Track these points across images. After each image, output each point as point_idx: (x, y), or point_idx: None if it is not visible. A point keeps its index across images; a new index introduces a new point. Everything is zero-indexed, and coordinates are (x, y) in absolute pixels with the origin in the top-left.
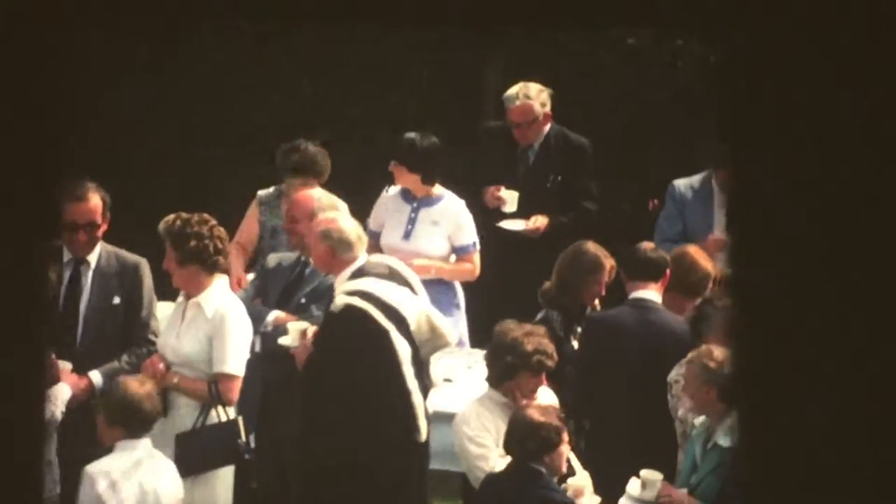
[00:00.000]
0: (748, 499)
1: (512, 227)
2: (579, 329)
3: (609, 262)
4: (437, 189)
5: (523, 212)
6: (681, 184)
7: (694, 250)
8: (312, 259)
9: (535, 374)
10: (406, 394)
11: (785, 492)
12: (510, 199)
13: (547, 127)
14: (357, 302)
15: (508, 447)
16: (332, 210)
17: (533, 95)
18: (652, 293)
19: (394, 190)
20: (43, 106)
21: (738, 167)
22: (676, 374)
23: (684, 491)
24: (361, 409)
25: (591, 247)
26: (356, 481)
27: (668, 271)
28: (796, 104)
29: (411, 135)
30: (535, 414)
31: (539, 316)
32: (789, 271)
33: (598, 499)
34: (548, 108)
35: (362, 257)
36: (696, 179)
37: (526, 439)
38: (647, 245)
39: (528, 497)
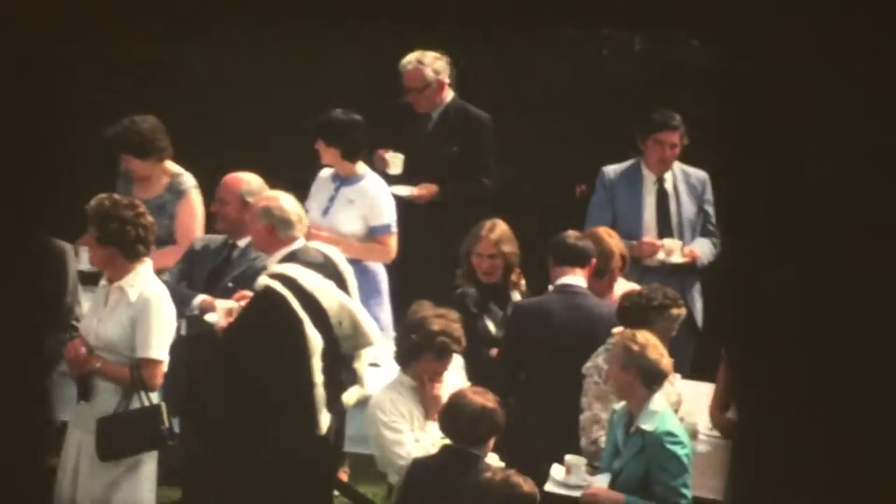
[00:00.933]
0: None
1: (399, 193)
2: (493, 306)
3: (493, 235)
4: (361, 168)
5: (417, 179)
6: (610, 170)
7: (602, 230)
8: (251, 238)
9: (438, 357)
10: (310, 385)
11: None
12: (394, 161)
13: (446, 97)
14: (276, 286)
15: (452, 432)
16: (262, 191)
17: (426, 62)
18: (578, 279)
19: (327, 171)
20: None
21: (735, 167)
22: (592, 363)
23: (607, 476)
24: (267, 394)
25: (487, 222)
26: (263, 467)
27: (593, 258)
28: (795, 104)
29: (333, 111)
30: (478, 398)
31: (456, 292)
32: (789, 270)
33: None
34: (443, 77)
35: (300, 241)
36: (625, 165)
37: (480, 423)
38: (572, 232)
39: (467, 482)
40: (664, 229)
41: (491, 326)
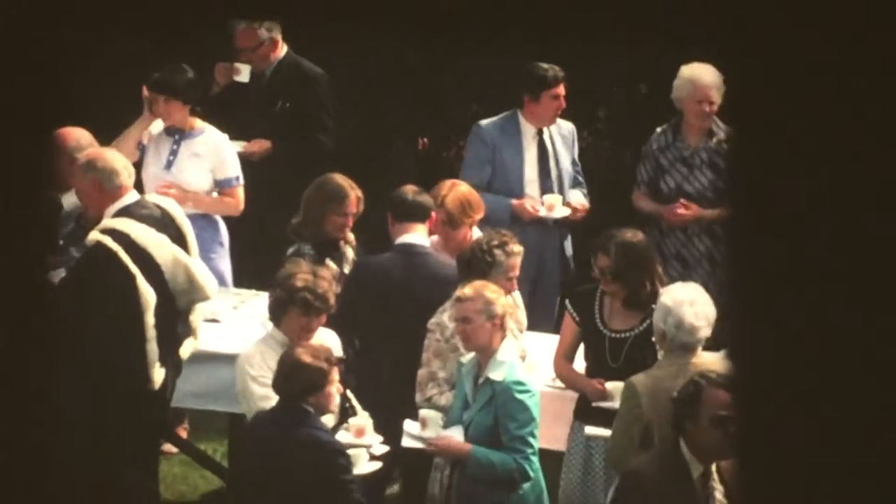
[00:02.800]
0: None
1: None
2: (330, 262)
3: (354, 193)
4: (199, 123)
5: (250, 135)
6: (488, 125)
7: (448, 182)
8: (78, 198)
9: (303, 313)
10: (142, 341)
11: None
12: (242, 70)
13: (280, 54)
14: (107, 241)
15: (275, 387)
16: (93, 146)
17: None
18: (418, 236)
19: (157, 127)
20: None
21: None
22: (436, 320)
23: (459, 428)
24: (99, 350)
25: (337, 177)
26: (95, 423)
27: (433, 213)
28: (799, 108)
29: (172, 66)
30: (302, 354)
31: (290, 250)
32: (790, 271)
33: (379, 437)
34: (276, 34)
35: (132, 195)
36: (501, 120)
37: (291, 379)
38: (410, 187)
39: (295, 437)
40: (545, 182)
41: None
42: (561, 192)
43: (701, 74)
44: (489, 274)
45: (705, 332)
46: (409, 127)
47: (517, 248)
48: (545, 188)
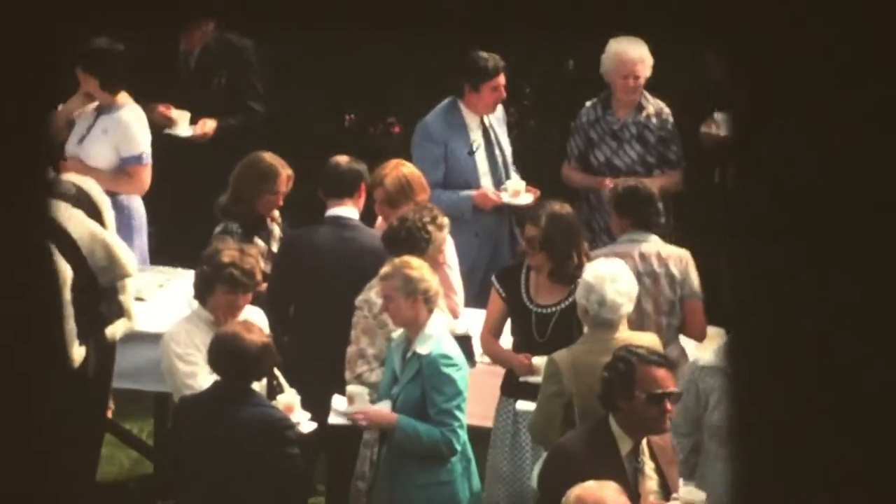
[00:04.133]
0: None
1: (180, 133)
2: (259, 241)
3: (285, 172)
4: (122, 99)
5: (192, 118)
6: (433, 121)
7: (394, 161)
8: None
9: (230, 290)
10: (59, 319)
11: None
12: (181, 119)
13: (208, 29)
14: None
15: (216, 366)
16: None
17: None
18: (348, 209)
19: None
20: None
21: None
22: (364, 297)
23: (387, 402)
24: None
25: (267, 156)
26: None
27: (362, 186)
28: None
29: (95, 39)
30: (242, 331)
31: (218, 229)
32: (791, 270)
33: (307, 415)
34: None
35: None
36: (444, 113)
37: (235, 359)
38: (340, 159)
39: (241, 416)
40: (494, 169)
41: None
42: (507, 175)
43: (626, 49)
44: (420, 249)
45: (627, 308)
46: (335, 103)
47: (446, 220)
48: (496, 175)
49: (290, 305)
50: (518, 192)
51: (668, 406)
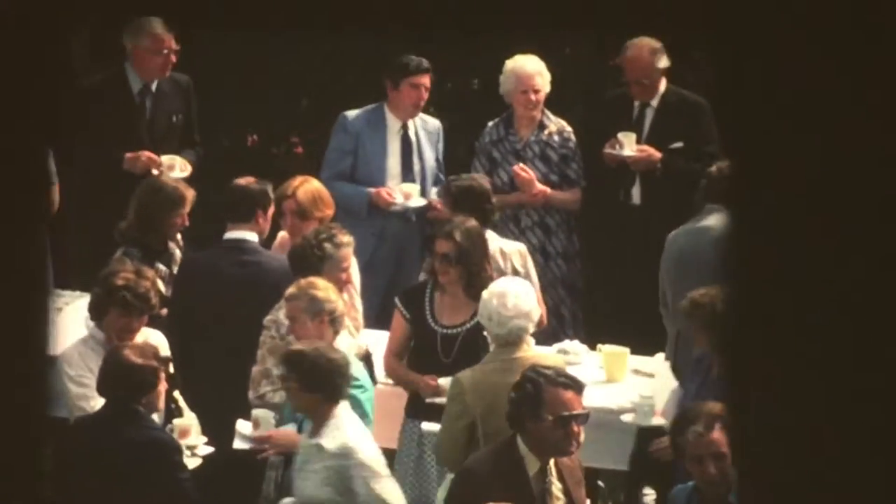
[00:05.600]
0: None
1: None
2: (161, 266)
3: (189, 193)
4: None
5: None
6: (353, 116)
7: (300, 178)
8: None
9: (123, 313)
10: None
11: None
12: (172, 162)
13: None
14: None
15: (103, 389)
16: None
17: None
18: (244, 233)
19: None
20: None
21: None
22: (272, 317)
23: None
24: None
25: (169, 180)
26: None
27: (258, 209)
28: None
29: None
30: (130, 354)
31: (118, 254)
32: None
33: (203, 438)
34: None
35: None
36: (367, 111)
37: (122, 380)
38: (239, 182)
39: (129, 438)
40: (407, 176)
41: (160, 284)
42: (423, 187)
43: (522, 64)
44: (322, 269)
45: (517, 323)
46: (237, 123)
47: (346, 238)
48: (407, 182)
49: (190, 328)
50: (409, 194)
51: (576, 428)
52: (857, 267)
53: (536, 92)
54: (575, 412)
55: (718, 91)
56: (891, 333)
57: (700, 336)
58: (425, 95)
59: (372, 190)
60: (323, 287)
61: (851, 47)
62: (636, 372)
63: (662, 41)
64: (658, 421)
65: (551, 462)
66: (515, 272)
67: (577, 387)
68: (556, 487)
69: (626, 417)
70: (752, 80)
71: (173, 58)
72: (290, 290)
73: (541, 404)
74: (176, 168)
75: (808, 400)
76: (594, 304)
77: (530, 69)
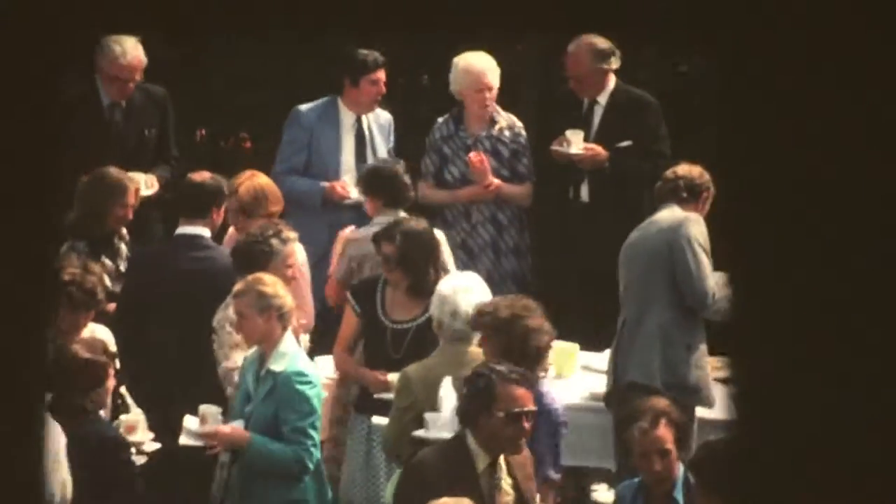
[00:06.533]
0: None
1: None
2: (106, 260)
3: (133, 185)
4: None
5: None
6: (306, 110)
7: (249, 172)
8: None
9: (73, 309)
10: None
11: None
12: (142, 179)
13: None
14: None
15: (52, 384)
16: None
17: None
18: (196, 228)
19: None
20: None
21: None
22: (222, 315)
23: (240, 423)
24: None
25: (113, 170)
26: None
27: (212, 205)
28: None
29: None
30: (79, 350)
31: (64, 248)
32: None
33: (150, 434)
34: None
35: None
36: (320, 105)
37: (69, 376)
38: (194, 177)
39: (75, 434)
40: (361, 169)
41: (106, 280)
42: None
43: (474, 62)
44: (268, 265)
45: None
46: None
47: (292, 234)
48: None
49: (139, 324)
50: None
51: (526, 424)
52: (858, 265)
53: (490, 89)
54: (526, 409)
55: (718, 91)
56: (889, 333)
57: (485, 345)
58: (384, 90)
59: (326, 184)
60: (271, 283)
61: (851, 47)
62: (585, 368)
63: (626, 40)
64: None
65: (501, 457)
66: None
67: (529, 383)
68: (506, 482)
69: None
70: (752, 80)
71: (136, 80)
72: (238, 286)
73: (493, 400)
74: (141, 185)
75: (806, 399)
76: (544, 300)
77: (483, 66)
